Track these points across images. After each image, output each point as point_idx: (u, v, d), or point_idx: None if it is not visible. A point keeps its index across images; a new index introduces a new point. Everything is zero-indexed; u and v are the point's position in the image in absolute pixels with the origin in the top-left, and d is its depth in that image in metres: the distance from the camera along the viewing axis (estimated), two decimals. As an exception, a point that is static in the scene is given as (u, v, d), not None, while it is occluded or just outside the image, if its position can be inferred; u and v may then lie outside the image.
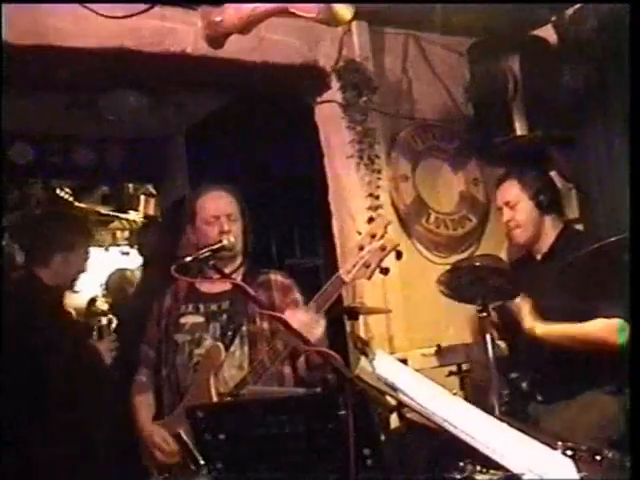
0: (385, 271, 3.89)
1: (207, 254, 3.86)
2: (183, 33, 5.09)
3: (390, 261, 3.89)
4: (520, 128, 5.50)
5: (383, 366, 2.60)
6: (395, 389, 2.54)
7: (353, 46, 5.85)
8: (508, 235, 4.87)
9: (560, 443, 3.10)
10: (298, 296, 4.22)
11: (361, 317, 5.33)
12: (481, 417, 2.47)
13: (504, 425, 2.44)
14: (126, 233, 9.52)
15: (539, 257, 4.76)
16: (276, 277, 4.30)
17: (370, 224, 3.93)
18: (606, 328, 4.31)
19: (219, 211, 4.19)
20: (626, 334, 4.14)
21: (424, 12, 5.80)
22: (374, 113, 5.82)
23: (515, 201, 4.75)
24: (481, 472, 2.80)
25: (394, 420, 4.73)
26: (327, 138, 5.88)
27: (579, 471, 2.43)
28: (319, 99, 5.89)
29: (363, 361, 2.62)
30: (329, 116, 5.85)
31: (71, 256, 4.95)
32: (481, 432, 2.41)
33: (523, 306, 4.57)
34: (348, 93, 5.74)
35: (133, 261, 8.50)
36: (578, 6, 5.62)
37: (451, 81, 6.26)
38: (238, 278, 4.13)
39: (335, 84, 5.79)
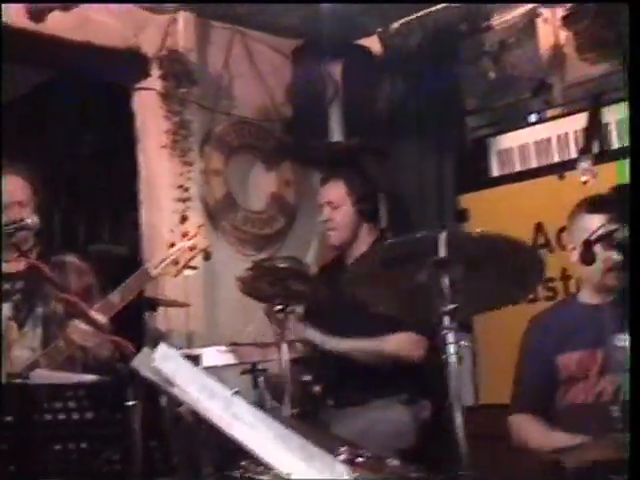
0: (192, 269, 3.89)
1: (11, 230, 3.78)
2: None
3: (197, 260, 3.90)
4: (336, 134, 5.54)
5: (162, 359, 2.55)
6: (172, 384, 2.49)
7: (178, 36, 5.79)
8: (324, 235, 4.87)
9: (343, 448, 3.11)
10: (94, 281, 4.15)
11: (161, 310, 5.27)
12: (257, 417, 2.44)
13: (281, 426, 2.42)
14: None
15: (349, 262, 4.77)
16: (72, 260, 4.21)
17: (184, 223, 3.93)
18: (400, 343, 4.41)
19: (12, 197, 4.09)
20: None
21: (252, 10, 5.79)
22: (192, 105, 5.77)
23: (338, 202, 4.72)
24: (263, 472, 2.78)
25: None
26: (143, 125, 5.79)
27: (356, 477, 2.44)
28: (138, 85, 5.80)
29: (143, 353, 2.56)
30: (147, 104, 5.76)
31: None
32: (253, 433, 2.39)
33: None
34: (168, 83, 5.68)
35: None
36: (404, 19, 5.71)
37: (274, 81, 6.26)
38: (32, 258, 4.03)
39: (156, 72, 5.71)
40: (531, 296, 4.88)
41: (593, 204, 3.60)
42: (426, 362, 4.40)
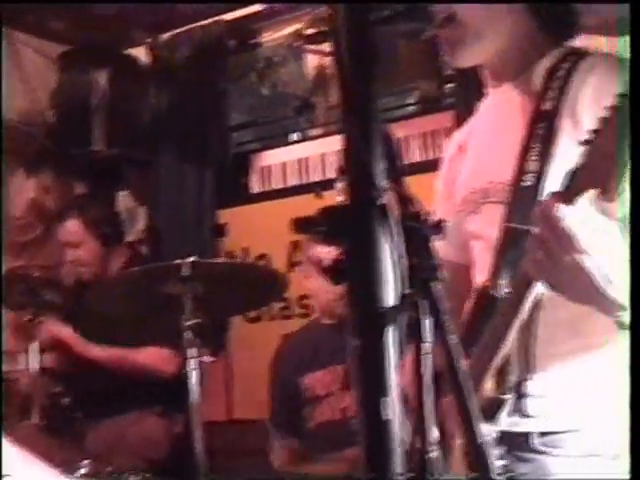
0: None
1: None
2: None
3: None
4: (98, 143, 5.47)
5: None
6: None
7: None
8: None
9: (85, 462, 3.10)
10: None
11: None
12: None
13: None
14: None
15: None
16: None
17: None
18: (151, 356, 4.41)
19: None
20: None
21: (19, 11, 5.65)
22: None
23: (79, 241, 4.66)
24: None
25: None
26: None
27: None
28: None
29: None
30: None
31: None
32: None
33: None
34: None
35: None
36: (173, 32, 5.70)
37: (40, 85, 6.12)
38: None
39: None
40: (287, 312, 4.99)
41: (298, 225, 3.72)
42: (179, 376, 4.42)
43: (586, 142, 1.73)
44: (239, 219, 5.35)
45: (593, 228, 1.75)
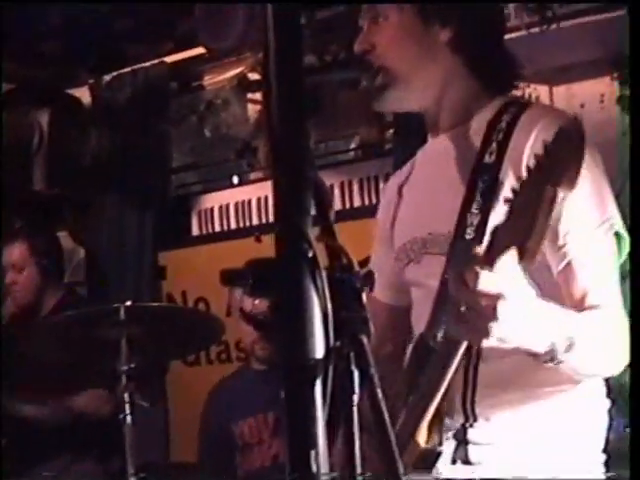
0: None
1: None
2: None
3: None
4: (39, 183, 5.44)
5: None
6: None
7: None
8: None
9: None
10: None
11: None
12: None
13: None
14: None
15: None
16: None
17: None
18: (88, 401, 4.38)
19: None
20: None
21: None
22: None
23: (21, 264, 4.62)
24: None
25: None
26: None
27: None
28: None
29: None
30: None
31: None
32: None
33: None
34: None
35: None
36: (115, 73, 5.69)
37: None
38: None
39: None
40: (225, 356, 4.98)
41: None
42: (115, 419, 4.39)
43: (507, 201, 1.73)
44: (179, 262, 5.33)
45: (514, 289, 1.75)
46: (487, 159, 2.06)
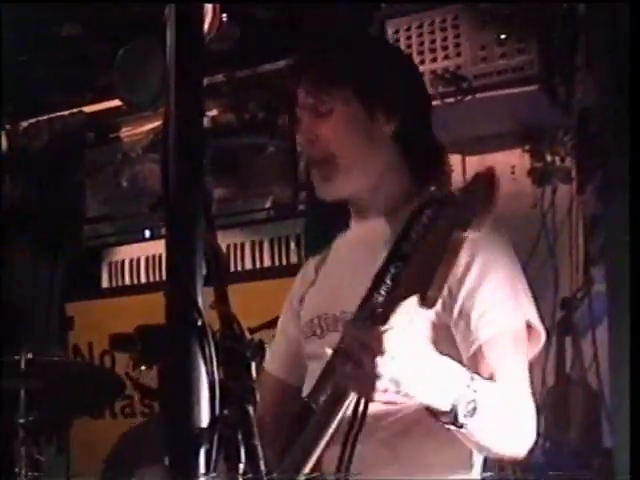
0: None
1: None
2: None
3: None
4: None
5: None
6: None
7: None
8: None
9: None
10: None
11: None
12: None
13: None
14: None
15: None
16: None
17: None
18: None
19: None
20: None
21: None
22: None
23: None
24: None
25: None
26: None
27: None
28: None
29: None
30: None
31: None
32: None
33: None
34: None
35: None
36: (33, 120, 5.65)
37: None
38: None
39: None
40: (129, 411, 4.92)
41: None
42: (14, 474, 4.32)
43: (403, 257, 1.78)
44: (87, 313, 5.26)
45: (406, 344, 1.79)
46: (404, 248, 2.09)
